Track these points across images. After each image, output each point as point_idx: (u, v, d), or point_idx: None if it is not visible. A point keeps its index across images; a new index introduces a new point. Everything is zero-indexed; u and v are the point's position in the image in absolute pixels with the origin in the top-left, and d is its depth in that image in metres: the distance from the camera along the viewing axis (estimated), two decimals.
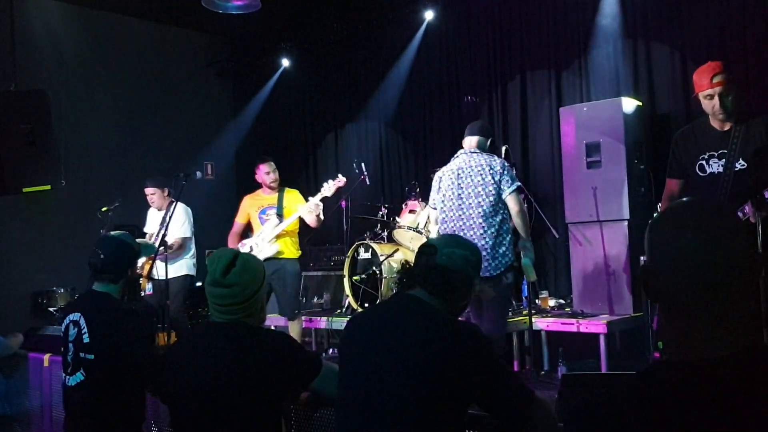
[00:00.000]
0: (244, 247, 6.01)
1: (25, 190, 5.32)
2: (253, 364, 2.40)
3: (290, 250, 6.14)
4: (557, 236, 6.61)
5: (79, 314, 3.14)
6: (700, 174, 3.67)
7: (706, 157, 3.65)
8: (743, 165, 3.49)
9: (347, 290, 6.66)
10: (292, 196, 6.28)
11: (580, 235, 6.21)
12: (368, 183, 7.55)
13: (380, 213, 7.31)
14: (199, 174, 6.08)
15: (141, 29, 9.52)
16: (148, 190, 6.65)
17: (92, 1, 8.79)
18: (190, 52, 10.04)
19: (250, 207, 6.30)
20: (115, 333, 3.08)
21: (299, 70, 9.78)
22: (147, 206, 6.82)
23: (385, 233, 7.17)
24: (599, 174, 6.05)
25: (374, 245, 6.65)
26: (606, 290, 5.96)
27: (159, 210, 6.67)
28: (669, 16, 6.51)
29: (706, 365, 1.16)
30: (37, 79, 7.57)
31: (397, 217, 7.03)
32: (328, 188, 6.09)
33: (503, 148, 6.21)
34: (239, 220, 6.33)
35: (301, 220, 6.14)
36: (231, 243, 6.20)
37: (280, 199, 6.19)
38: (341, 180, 6.19)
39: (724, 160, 3.56)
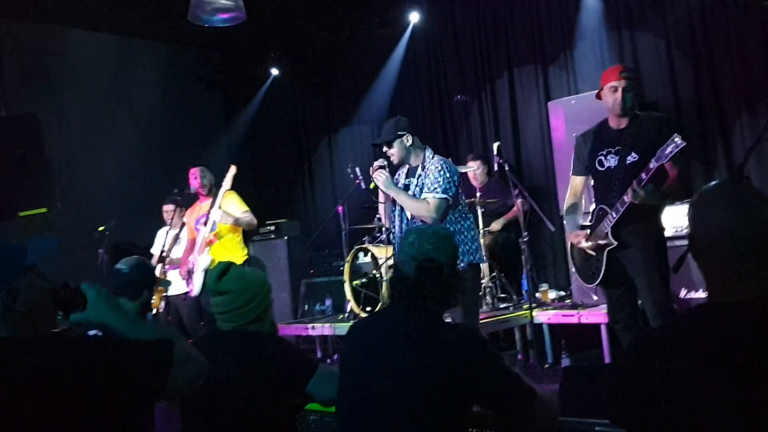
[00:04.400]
0: (188, 264, 5.95)
1: (21, 214, 5.34)
2: (251, 370, 2.47)
3: (225, 257, 5.71)
4: (553, 229, 6.63)
5: (95, 331, 3.20)
6: (599, 168, 3.92)
7: (604, 153, 3.89)
8: (635, 157, 3.73)
9: (348, 295, 6.67)
10: (224, 200, 5.87)
11: None
12: (363, 187, 7.55)
13: (377, 216, 7.32)
14: (193, 188, 6.09)
15: (127, 47, 9.53)
16: (167, 208, 6.66)
17: (78, 22, 8.80)
18: (178, 66, 10.05)
19: (189, 221, 6.16)
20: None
21: (289, 79, 9.80)
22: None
23: (384, 236, 7.18)
24: None
25: (373, 249, 6.66)
26: None
27: (173, 228, 6.59)
28: (651, 5, 6.55)
29: (740, 305, 1.49)
30: (27, 103, 7.59)
31: None
32: (226, 182, 5.80)
33: (495, 146, 6.23)
34: (188, 236, 6.17)
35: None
36: (182, 263, 6.06)
37: (211, 206, 5.90)
38: (233, 168, 5.86)
39: (619, 155, 3.81)
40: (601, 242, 3.81)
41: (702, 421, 1.41)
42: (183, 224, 6.33)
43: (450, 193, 4.10)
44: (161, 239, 6.66)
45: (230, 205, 5.90)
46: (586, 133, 4.10)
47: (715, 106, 6.16)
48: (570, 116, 6.27)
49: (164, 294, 5.99)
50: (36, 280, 1.95)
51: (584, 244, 3.90)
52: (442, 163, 4.23)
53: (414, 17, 8.23)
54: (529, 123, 7.51)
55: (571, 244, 4.10)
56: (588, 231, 3.91)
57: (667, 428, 1.46)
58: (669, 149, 3.40)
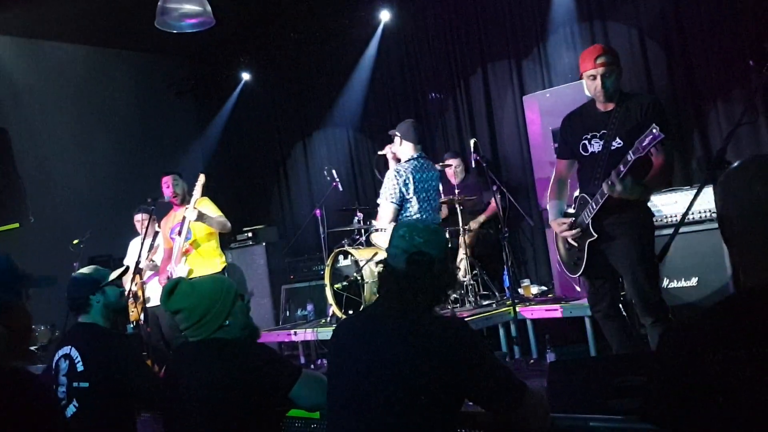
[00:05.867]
0: (166, 274, 5.88)
1: None
2: (231, 378, 2.43)
3: (203, 265, 5.77)
4: (532, 224, 6.63)
5: (70, 347, 3.18)
6: (583, 153, 3.78)
7: (588, 137, 3.75)
8: (619, 143, 3.59)
9: (330, 299, 6.61)
10: (192, 202, 5.77)
11: None
12: (341, 189, 7.51)
13: (356, 218, 7.28)
14: (166, 197, 6.00)
15: (96, 57, 9.41)
16: (138, 217, 6.56)
17: (45, 34, 8.68)
18: (149, 75, 9.94)
19: (164, 230, 6.10)
20: (108, 357, 3.13)
21: (260, 83, 9.73)
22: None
23: (363, 238, 7.13)
24: None
25: (353, 251, 6.60)
26: None
27: (147, 238, 6.52)
28: None
29: None
30: None
31: (373, 221, 7.00)
32: (196, 191, 5.77)
33: (471, 142, 6.21)
34: (165, 246, 6.10)
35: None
36: (161, 272, 6.01)
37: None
38: (202, 177, 5.84)
39: (604, 140, 3.68)
40: (582, 233, 3.72)
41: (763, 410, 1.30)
42: (156, 233, 6.23)
43: (393, 200, 4.85)
44: (134, 250, 6.56)
45: (204, 211, 5.83)
46: (572, 114, 3.95)
47: (690, 94, 6.17)
48: (545, 110, 6.26)
49: (145, 306, 5.91)
50: (25, 304, 1.99)
51: (566, 234, 3.81)
52: (393, 170, 4.95)
53: (384, 16, 8.20)
54: (504, 118, 7.50)
55: (556, 233, 3.99)
56: (571, 219, 3.79)
57: (722, 422, 1.35)
58: (647, 141, 3.28)
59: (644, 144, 3.29)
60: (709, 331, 1.42)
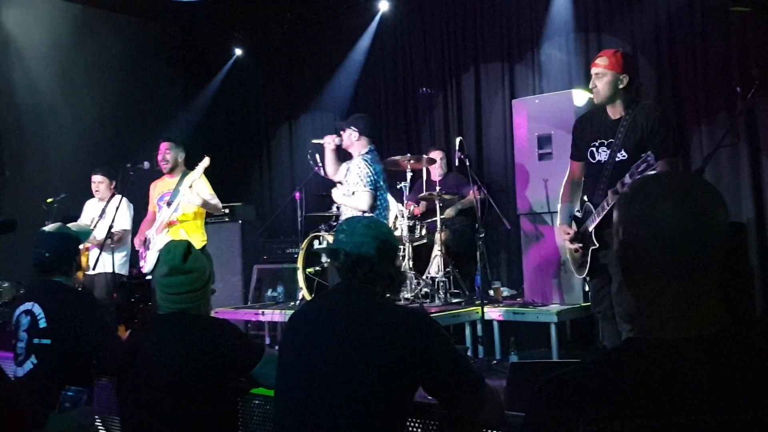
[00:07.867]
0: (143, 236, 5.88)
1: None
2: (196, 352, 2.44)
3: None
4: (509, 227, 6.65)
5: (33, 303, 3.15)
6: (591, 161, 3.87)
7: (596, 144, 3.83)
8: (624, 156, 3.67)
9: (301, 283, 6.61)
10: (189, 179, 5.79)
11: (531, 226, 6.26)
12: (323, 174, 7.48)
13: (334, 204, 7.26)
14: (147, 164, 5.93)
15: (88, 16, 9.28)
16: (96, 178, 6.49)
17: None
18: (140, 40, 9.82)
19: (152, 193, 6.09)
20: (73, 316, 3.11)
21: (252, 60, 9.67)
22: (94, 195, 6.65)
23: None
24: (551, 166, 6.08)
25: (329, 237, 6.60)
26: (557, 280, 6.03)
27: (99, 201, 6.48)
28: (619, 9, 6.61)
29: (678, 345, 1.13)
30: None
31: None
32: (197, 172, 5.77)
33: (457, 140, 6.23)
34: (150, 209, 6.08)
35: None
36: (140, 233, 6.01)
37: (177, 185, 5.80)
38: (206, 160, 5.83)
39: (610, 150, 3.77)
40: (586, 241, 3.82)
41: None
42: (112, 197, 6.18)
43: (371, 186, 5.01)
44: (91, 209, 6.50)
45: (199, 189, 5.81)
46: (583, 118, 4.04)
47: (674, 113, 6.23)
48: (533, 115, 6.28)
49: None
50: None
51: (568, 246, 3.93)
52: (362, 159, 5.12)
53: (383, 5, 8.18)
54: (492, 120, 7.52)
55: None
56: (574, 229, 3.90)
57: None
58: (642, 167, 3.39)
59: (639, 170, 3.40)
60: (589, 394, 1.15)
